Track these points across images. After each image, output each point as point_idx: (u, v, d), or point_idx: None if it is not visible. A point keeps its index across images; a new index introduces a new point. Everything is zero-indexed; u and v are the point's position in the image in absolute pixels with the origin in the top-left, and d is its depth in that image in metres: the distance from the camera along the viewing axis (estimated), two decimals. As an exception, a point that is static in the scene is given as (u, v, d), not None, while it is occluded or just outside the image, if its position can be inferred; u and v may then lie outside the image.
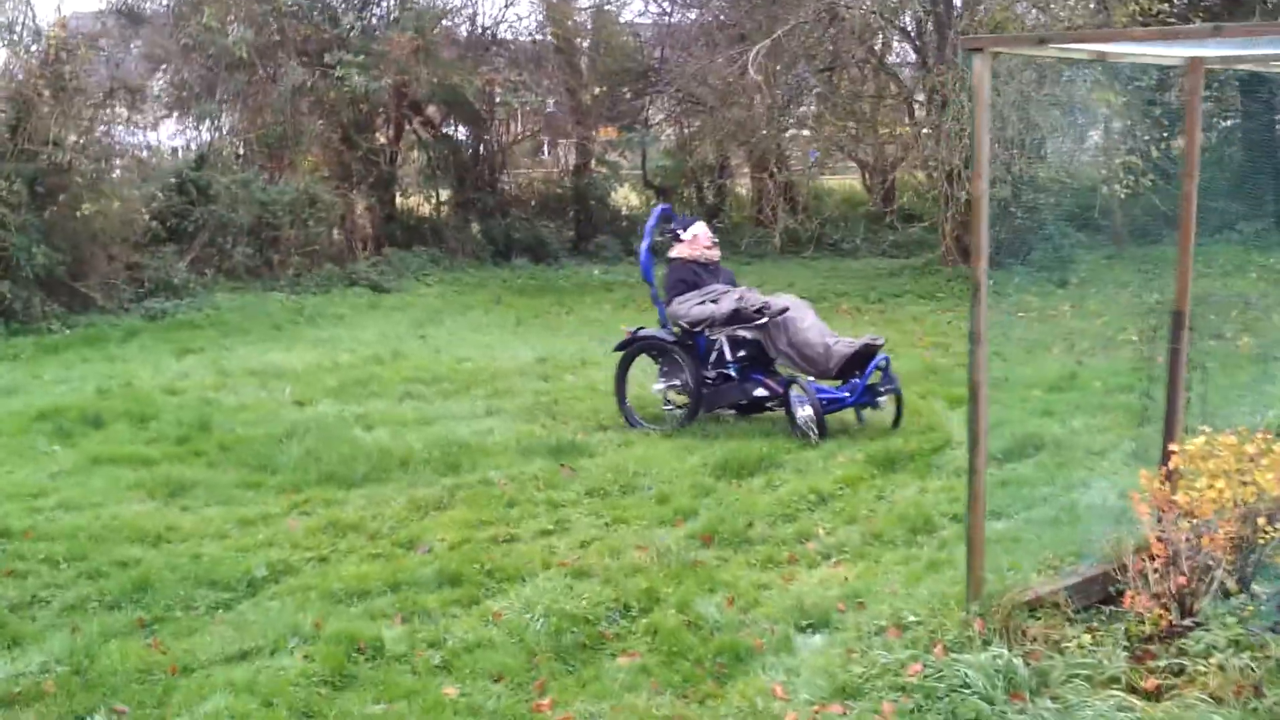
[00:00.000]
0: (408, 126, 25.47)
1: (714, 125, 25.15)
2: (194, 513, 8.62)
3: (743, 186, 28.76)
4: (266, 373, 13.26)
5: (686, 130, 27.43)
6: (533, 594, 6.86)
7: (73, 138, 18.18)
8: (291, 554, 7.74)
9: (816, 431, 10.00)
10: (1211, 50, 6.38)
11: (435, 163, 25.97)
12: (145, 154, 21.09)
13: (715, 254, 11.25)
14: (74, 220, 17.90)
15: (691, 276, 10.96)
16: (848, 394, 10.34)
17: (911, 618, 6.04)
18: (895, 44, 24.57)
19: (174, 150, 23.58)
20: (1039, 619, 5.82)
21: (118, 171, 19.63)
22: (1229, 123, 21.91)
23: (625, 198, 28.67)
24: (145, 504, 8.80)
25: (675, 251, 11.30)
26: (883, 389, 10.33)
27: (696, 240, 11.18)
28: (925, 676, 5.40)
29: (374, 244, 23.46)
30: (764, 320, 10.59)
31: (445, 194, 26.23)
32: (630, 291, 20.75)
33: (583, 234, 26.24)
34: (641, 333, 11.36)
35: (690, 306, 10.83)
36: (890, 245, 24.75)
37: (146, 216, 19.36)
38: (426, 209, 26.26)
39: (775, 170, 22.67)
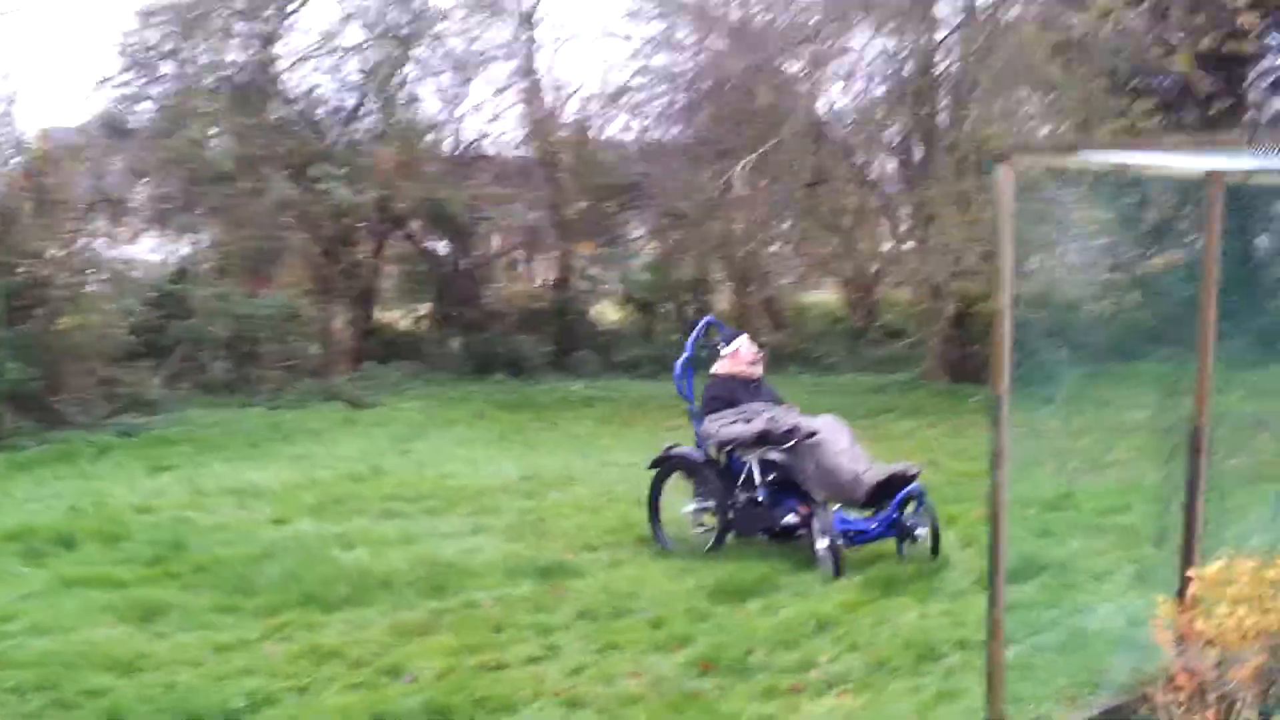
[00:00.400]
0: (390, 240, 25.38)
1: (696, 239, 25.16)
2: (167, 638, 8.25)
3: (723, 301, 28.67)
4: (243, 491, 12.92)
5: (669, 244, 27.39)
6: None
7: (53, 251, 18.00)
8: (270, 683, 7.37)
9: (833, 566, 9.37)
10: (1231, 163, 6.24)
11: (417, 276, 25.88)
12: (124, 267, 20.84)
13: (757, 370, 10.67)
14: (50, 334, 17.62)
15: (728, 394, 10.42)
16: (874, 525, 9.84)
17: (927, 754, 5.72)
18: (879, 160, 24.68)
19: (154, 265, 23.39)
20: (1062, 756, 5.53)
21: (96, 285, 19.40)
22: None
23: (605, 313, 28.59)
24: (116, 628, 8.42)
25: (716, 367, 10.80)
26: (911, 522, 9.76)
27: (738, 355, 10.65)
28: (948, 820, 5.09)
29: (353, 358, 23.25)
30: (792, 443, 9.95)
31: (425, 308, 26.10)
32: (612, 407, 20.54)
33: (563, 348, 26.08)
34: (674, 451, 10.86)
35: (721, 426, 10.31)
36: (873, 361, 24.64)
37: (124, 331, 19.10)
38: (406, 323, 26.11)
39: (756, 286, 22.57)
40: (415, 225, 26.04)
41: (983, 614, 8.27)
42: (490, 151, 26.83)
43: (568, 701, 6.96)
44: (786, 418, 10.15)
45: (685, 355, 10.97)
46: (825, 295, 29.16)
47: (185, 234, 23.86)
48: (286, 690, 7.30)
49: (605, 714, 6.71)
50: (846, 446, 9.91)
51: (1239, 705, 5.44)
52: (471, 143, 26.72)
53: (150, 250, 24.13)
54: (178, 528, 11.16)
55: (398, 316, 26.39)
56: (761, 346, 11.16)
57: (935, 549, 9.71)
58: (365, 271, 24.27)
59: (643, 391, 22.46)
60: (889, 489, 9.76)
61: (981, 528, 10.78)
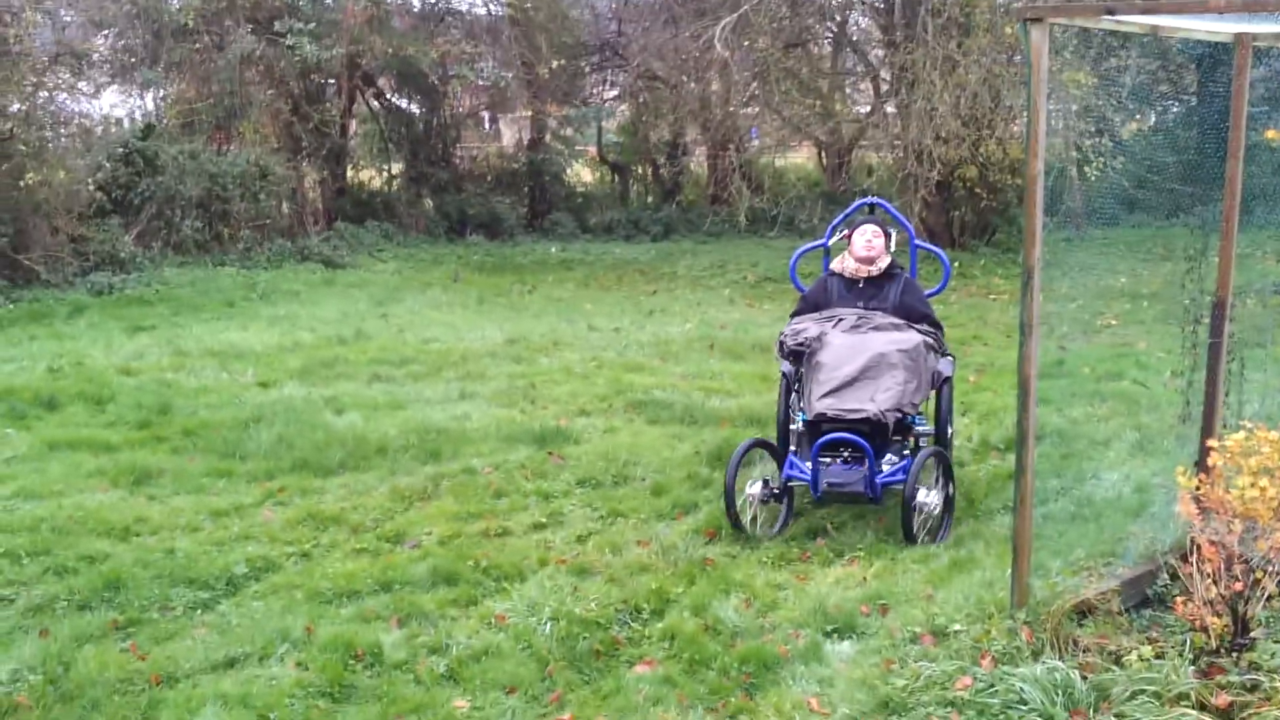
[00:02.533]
0: (359, 98, 24.85)
1: (672, 101, 24.76)
2: (162, 503, 8.13)
3: (698, 164, 28.33)
4: (226, 353, 12.70)
5: (642, 106, 26.94)
6: (535, 594, 6.46)
7: (16, 105, 17.50)
8: (271, 549, 7.28)
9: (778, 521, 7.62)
10: (1262, 26, 6.06)
11: (387, 136, 25.41)
12: (92, 123, 20.31)
13: (868, 269, 8.20)
14: (16, 191, 17.20)
15: (818, 295, 8.31)
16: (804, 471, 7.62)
17: (950, 625, 5.67)
18: (860, 21, 24.27)
19: (118, 120, 22.79)
20: (1088, 627, 5.49)
21: (63, 140, 18.92)
22: (1184, 105, 21.79)
23: (579, 175, 28.23)
24: (109, 493, 8.28)
25: (833, 263, 8.55)
26: (830, 480, 7.41)
27: (852, 249, 8.34)
28: (976, 691, 5.05)
29: (325, 218, 22.89)
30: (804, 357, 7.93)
31: (397, 168, 25.68)
32: (590, 270, 20.33)
33: (537, 210, 25.77)
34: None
35: (786, 332, 8.19)
36: (851, 225, 24.47)
37: (92, 187, 18.68)
38: (378, 183, 25.70)
39: (737, 149, 22.24)
40: (385, 83, 25.47)
41: (985, 483, 8.30)
42: (460, 7, 26.18)
43: (576, 569, 6.89)
44: (832, 328, 7.94)
45: (814, 243, 8.93)
46: (801, 159, 28.84)
47: (149, 89, 23.23)
48: (288, 556, 7.21)
49: (616, 583, 6.65)
50: (851, 373, 7.57)
51: (1264, 577, 5.40)
52: (442, -1, 26.09)
53: (113, 105, 23.52)
54: (162, 390, 10.96)
55: (369, 176, 25.93)
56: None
57: (909, 532, 7.25)
58: (335, 129, 23.73)
59: (619, 255, 22.25)
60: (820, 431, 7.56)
61: (977, 395, 10.77)
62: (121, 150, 19.37)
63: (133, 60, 22.28)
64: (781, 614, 6.25)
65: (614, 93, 28.54)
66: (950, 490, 7.55)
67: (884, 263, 8.27)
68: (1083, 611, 5.59)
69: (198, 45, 21.84)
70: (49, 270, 16.97)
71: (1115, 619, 5.52)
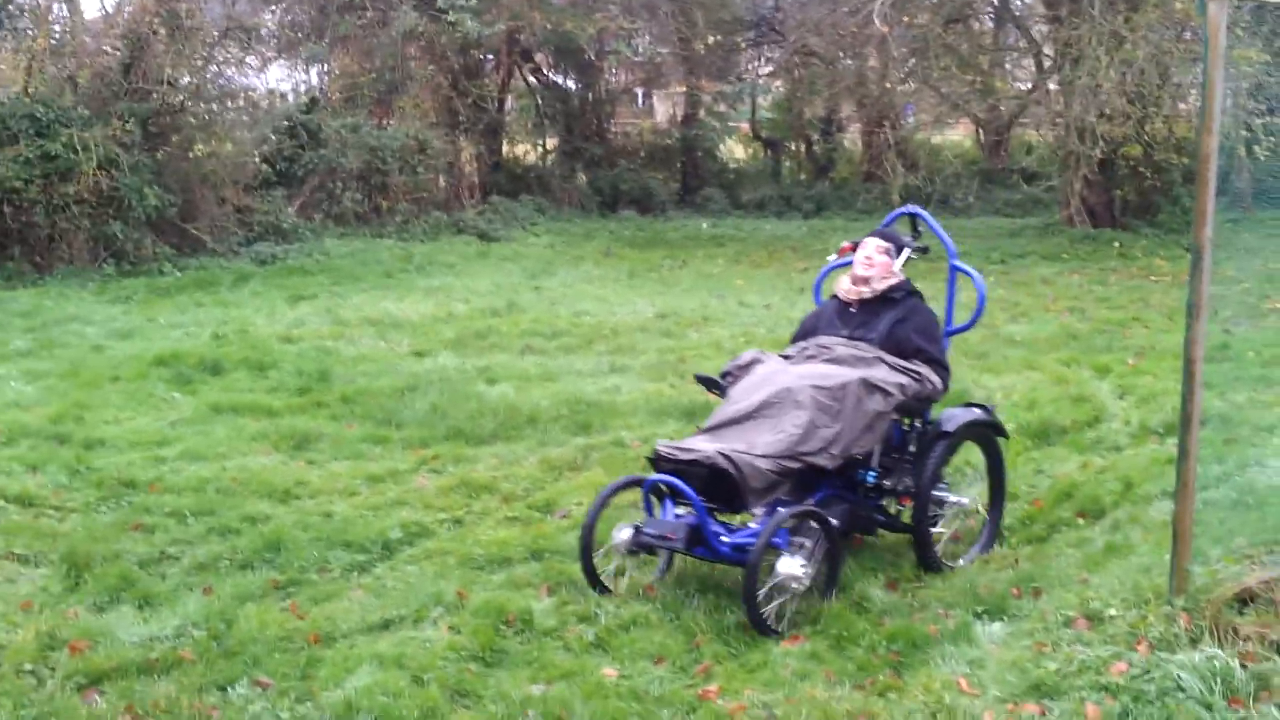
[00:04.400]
0: (517, 73, 25.10)
1: (828, 78, 24.57)
2: (321, 467, 8.32)
3: (852, 141, 28.08)
4: (383, 322, 12.97)
5: (797, 82, 26.78)
6: (684, 566, 6.48)
7: (186, 78, 18.00)
8: (425, 515, 7.42)
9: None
10: None
11: (543, 111, 25.63)
12: (258, 96, 20.85)
13: (860, 290, 6.91)
14: (185, 162, 17.75)
15: (812, 321, 7.12)
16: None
17: (1105, 610, 5.56)
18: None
19: (283, 94, 23.37)
20: (1249, 615, 5.34)
21: (230, 113, 19.43)
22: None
23: (731, 150, 28.19)
24: (271, 457, 8.51)
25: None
26: (660, 533, 6.14)
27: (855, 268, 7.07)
28: (1132, 677, 4.94)
29: (481, 191, 23.19)
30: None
31: (552, 142, 25.90)
32: (741, 247, 20.31)
33: (689, 186, 25.80)
34: None
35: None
36: (1006, 204, 24.03)
37: (257, 159, 19.17)
38: (533, 157, 25.95)
39: (892, 125, 22.00)
40: (542, 58, 25.70)
41: (1144, 467, 8.11)
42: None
43: (724, 543, 6.89)
44: (776, 358, 6.79)
45: (839, 261, 7.35)
46: (959, 136, 28.42)
47: (314, 63, 23.78)
48: (441, 522, 7.34)
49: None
50: (744, 409, 6.34)
51: None
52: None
53: (279, 80, 24.13)
54: (322, 358, 11.22)
55: (525, 151, 26.20)
56: (922, 251, 7.18)
57: (750, 613, 5.75)
58: (492, 105, 24.03)
59: (771, 231, 22.18)
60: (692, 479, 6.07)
61: (1136, 377, 10.53)
62: (286, 123, 19.87)
63: (298, 35, 22.79)
64: (930, 594, 6.20)
65: (769, 69, 28.42)
66: (834, 565, 6.08)
67: (883, 284, 6.87)
68: (1244, 600, 5.43)
69: (361, 21, 22.24)
70: (215, 239, 17.48)
71: (1278, 608, 5.36)
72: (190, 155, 17.77)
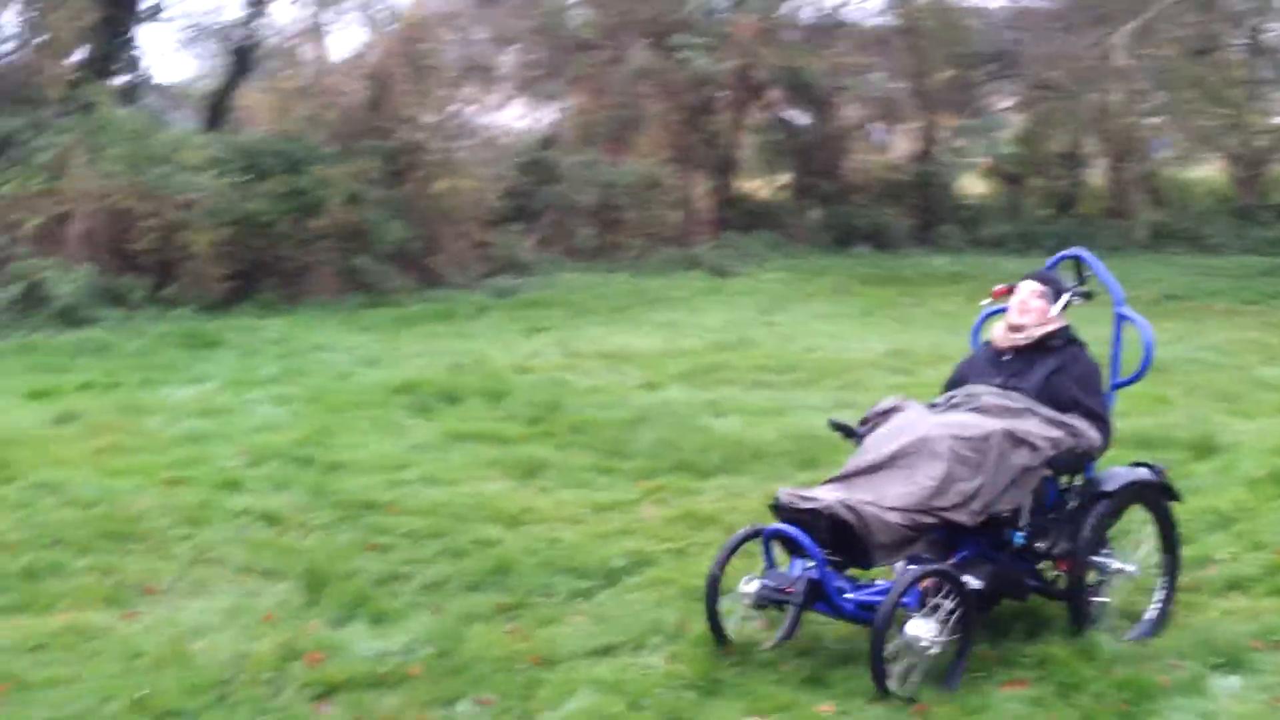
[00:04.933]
0: (749, 109, 25.24)
1: (1069, 111, 24.03)
2: (549, 494, 8.47)
3: (1099, 177, 27.37)
4: (615, 355, 13.18)
5: (1039, 115, 26.25)
6: (906, 604, 6.37)
7: (427, 116, 18.63)
8: (648, 544, 7.47)
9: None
10: None
11: (776, 146, 25.70)
12: (496, 133, 21.49)
13: (1014, 337, 6.40)
14: (426, 198, 18.34)
15: (966, 369, 6.62)
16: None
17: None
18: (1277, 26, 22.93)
19: (521, 131, 24.00)
20: None
21: (469, 151, 20.03)
22: None
23: (970, 186, 27.78)
24: (501, 483, 8.71)
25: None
26: (777, 585, 5.79)
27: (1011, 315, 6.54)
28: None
29: (713, 227, 23.36)
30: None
31: (785, 178, 25.95)
32: (979, 284, 19.95)
33: (926, 222, 25.50)
34: None
35: None
36: (1262, 242, 23.09)
37: (496, 196, 19.70)
38: (766, 193, 26.04)
39: (1138, 160, 21.38)
40: (774, 94, 25.79)
41: None
42: (850, 19, 26.27)
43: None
44: (919, 405, 6.35)
45: (1000, 306, 6.75)
46: (1209, 172, 27.43)
47: (551, 101, 24.36)
48: (665, 553, 7.37)
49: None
50: (876, 459, 5.94)
51: None
52: (831, 11, 26.21)
53: (517, 117, 24.76)
54: (554, 389, 11.44)
55: (757, 186, 26.32)
56: (1086, 297, 6.65)
57: (875, 676, 5.40)
58: (725, 141, 24.21)
59: (1010, 269, 21.67)
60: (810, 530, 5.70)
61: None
62: (523, 160, 20.36)
63: (535, 74, 23.37)
64: (1163, 643, 5.97)
65: (1008, 102, 27.93)
66: (962, 628, 5.53)
67: (1040, 331, 6.35)
68: None
69: (596, 60, 22.69)
70: (456, 272, 18.03)
71: None
72: (431, 191, 18.35)
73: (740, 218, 24.02)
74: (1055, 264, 6.95)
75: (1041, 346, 6.35)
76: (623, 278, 19.05)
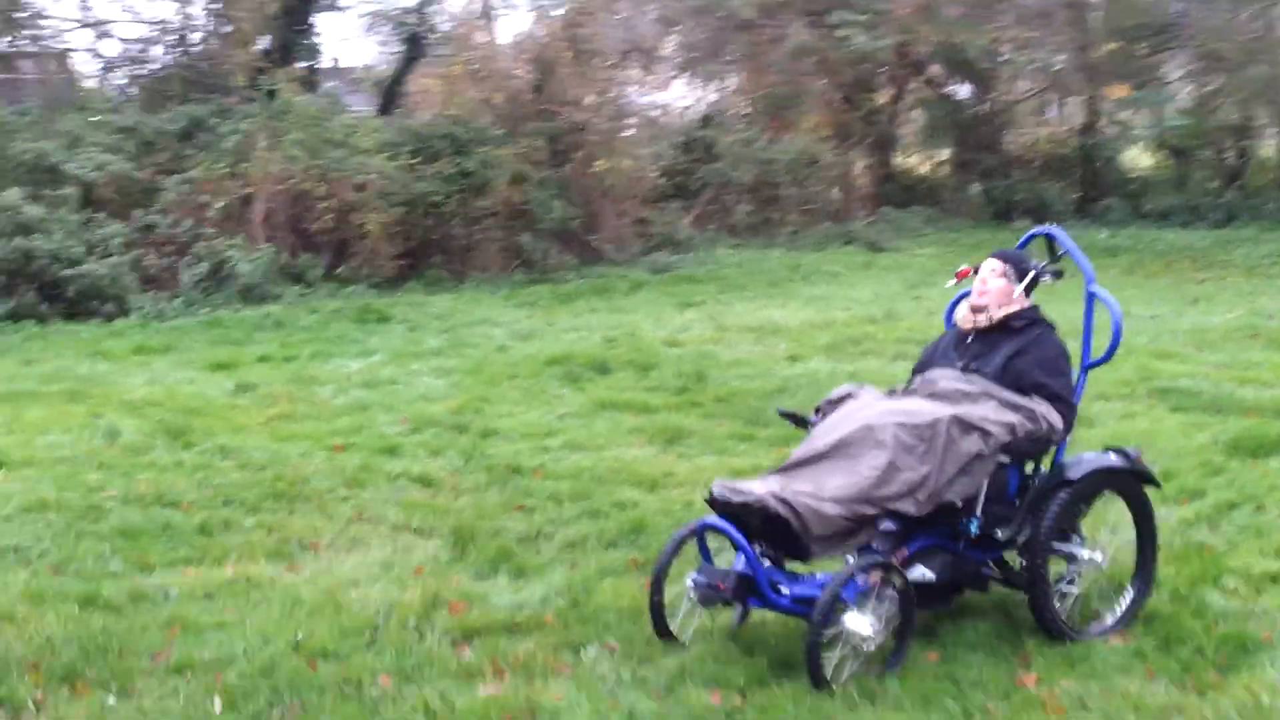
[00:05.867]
0: (909, 85, 25.25)
1: (1237, 83, 23.56)
2: (689, 460, 8.87)
3: (1269, 149, 26.75)
4: (762, 328, 13.52)
5: (1205, 89, 25.76)
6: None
7: (589, 97, 19.13)
8: (779, 508, 7.81)
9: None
10: None
11: (936, 122, 25.68)
12: (656, 113, 21.92)
13: (975, 319, 6.18)
14: (588, 177, 18.86)
15: (930, 353, 6.45)
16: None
17: None
18: None
19: (681, 110, 24.38)
20: None
21: (630, 131, 20.51)
22: None
23: (1135, 159, 27.37)
24: (643, 449, 9.14)
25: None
26: (708, 580, 5.63)
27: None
28: None
29: (871, 203, 23.49)
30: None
31: (945, 153, 25.91)
32: (1138, 257, 19.84)
33: (1088, 196, 25.24)
34: None
35: None
36: None
37: (655, 174, 20.15)
38: (925, 169, 26.04)
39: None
40: (935, 70, 25.74)
41: None
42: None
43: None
44: (876, 392, 6.20)
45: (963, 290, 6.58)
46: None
47: (711, 81, 24.69)
48: (794, 516, 7.70)
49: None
50: (820, 448, 5.74)
51: None
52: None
53: (679, 97, 25.16)
54: (701, 361, 11.84)
55: (917, 162, 26.34)
56: (1056, 275, 6.43)
57: (812, 672, 5.27)
58: (884, 117, 24.33)
59: (1172, 242, 21.52)
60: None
61: None
62: (683, 139, 20.79)
63: (695, 55, 23.73)
64: (1271, 600, 6.14)
65: (1177, 74, 27.43)
66: (901, 623, 5.45)
67: (1001, 312, 6.13)
68: None
69: (756, 39, 22.95)
70: (615, 250, 18.54)
71: None
72: (592, 171, 18.88)
73: (899, 193, 24.11)
74: (1026, 243, 6.89)
75: (1004, 328, 6.13)
76: (778, 253, 19.35)
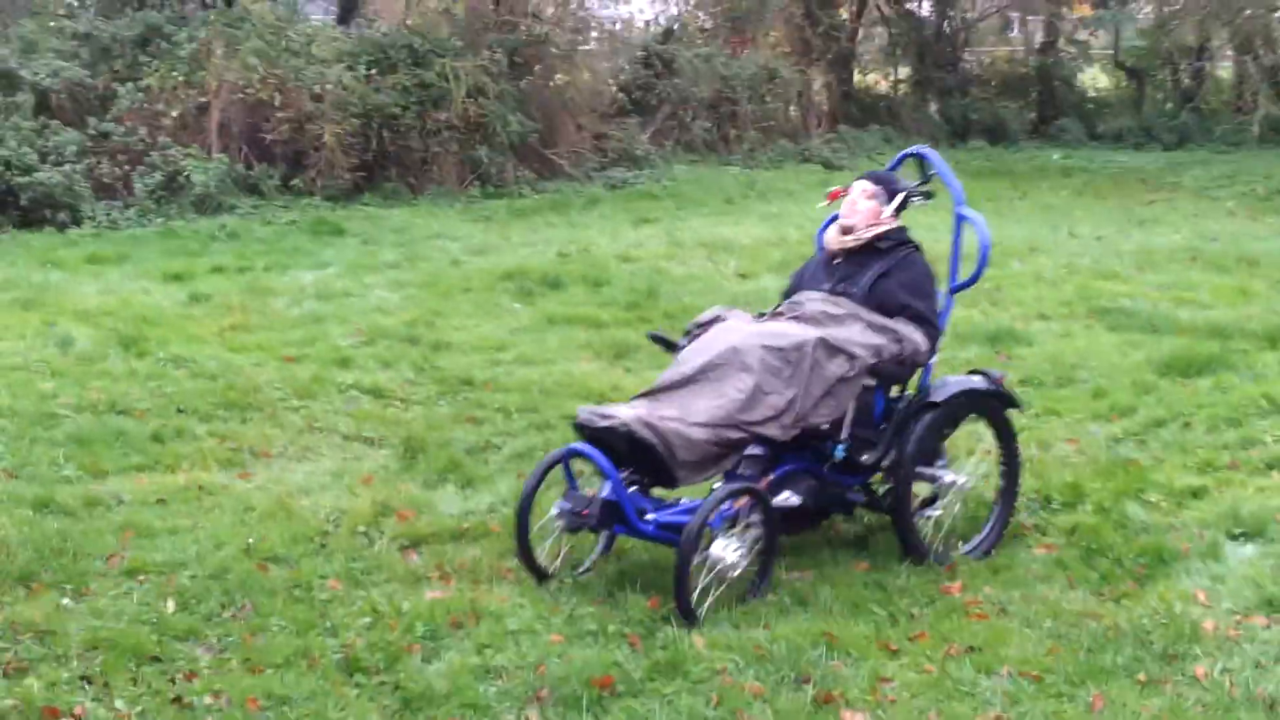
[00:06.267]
0: (870, 3, 25.25)
1: (1195, 4, 23.69)
2: (636, 375, 9.01)
3: (1225, 70, 26.93)
4: (715, 245, 13.65)
5: (1166, 9, 25.88)
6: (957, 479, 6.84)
7: (550, 9, 19.08)
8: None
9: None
10: None
11: (896, 40, 25.71)
12: (617, 27, 21.85)
13: (843, 240, 6.17)
14: (547, 90, 18.85)
15: (799, 276, 6.47)
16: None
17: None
18: None
19: (644, 24, 24.28)
20: None
21: (590, 45, 20.47)
22: None
23: (1094, 79, 27.52)
24: (592, 364, 9.31)
25: None
26: (572, 507, 5.54)
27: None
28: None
29: (829, 121, 23.56)
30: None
31: (904, 72, 25.98)
32: (1089, 178, 20.04)
33: (1044, 116, 25.42)
34: None
35: None
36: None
37: (614, 89, 20.15)
38: (884, 87, 26.11)
39: (1260, 52, 21.08)
40: (896, -14, 25.79)
41: None
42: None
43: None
44: (743, 315, 6.15)
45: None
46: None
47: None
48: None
49: (1035, 475, 6.85)
50: (686, 372, 5.70)
51: None
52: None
53: (639, 10, 25.04)
54: (652, 276, 11.99)
55: (876, 80, 26.39)
56: (926, 197, 6.41)
57: (679, 600, 5.20)
58: (844, 34, 24.33)
59: (1124, 163, 21.76)
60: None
61: None
62: (642, 54, 20.76)
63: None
64: (1191, 514, 6.39)
65: (1137, -7, 27.57)
66: (765, 549, 5.42)
67: (869, 233, 6.10)
68: None
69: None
70: (572, 165, 18.58)
71: None
72: (551, 84, 18.87)
73: (858, 112, 24.21)
74: (897, 164, 6.82)
75: (872, 249, 6.10)
76: (735, 171, 19.45)
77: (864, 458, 5.80)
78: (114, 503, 6.36)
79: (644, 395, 5.71)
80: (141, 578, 5.47)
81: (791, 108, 22.88)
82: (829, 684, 4.69)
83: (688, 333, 6.08)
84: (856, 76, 25.66)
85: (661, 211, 16.16)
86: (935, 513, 6.05)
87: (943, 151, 22.07)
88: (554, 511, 5.56)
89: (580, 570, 5.73)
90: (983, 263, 6.21)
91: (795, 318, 5.85)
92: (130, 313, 10.29)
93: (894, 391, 6.08)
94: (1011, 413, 6.35)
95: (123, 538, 5.88)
